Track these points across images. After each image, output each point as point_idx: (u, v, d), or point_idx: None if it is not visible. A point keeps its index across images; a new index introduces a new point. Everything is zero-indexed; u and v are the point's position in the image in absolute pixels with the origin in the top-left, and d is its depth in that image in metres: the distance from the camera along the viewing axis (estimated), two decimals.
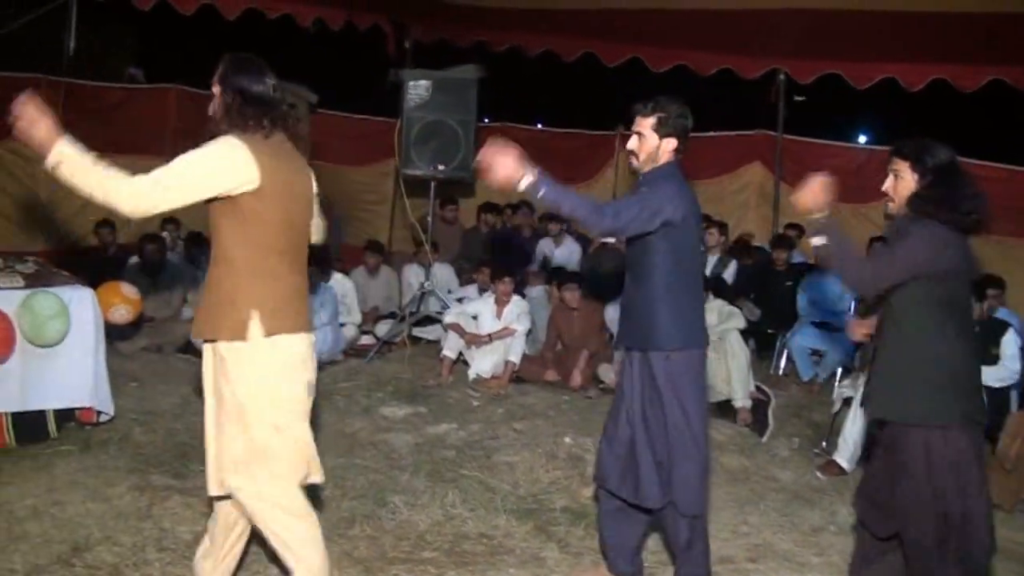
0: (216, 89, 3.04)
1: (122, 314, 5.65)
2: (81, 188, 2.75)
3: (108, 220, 8.71)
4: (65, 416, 5.22)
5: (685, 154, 3.57)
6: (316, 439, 3.16)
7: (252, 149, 2.91)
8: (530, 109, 13.50)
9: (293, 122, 3.13)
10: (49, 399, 5.08)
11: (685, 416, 3.44)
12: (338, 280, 7.69)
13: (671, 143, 3.53)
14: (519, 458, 5.24)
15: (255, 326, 2.94)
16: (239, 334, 2.94)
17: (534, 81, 13.01)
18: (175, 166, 2.85)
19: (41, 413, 5.08)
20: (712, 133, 9.80)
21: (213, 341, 3.03)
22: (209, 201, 2.93)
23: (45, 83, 8.75)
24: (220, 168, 2.87)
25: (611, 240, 7.87)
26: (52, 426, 5.12)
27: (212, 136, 2.96)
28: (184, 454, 4.96)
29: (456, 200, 9.69)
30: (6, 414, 4.93)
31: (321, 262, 7.19)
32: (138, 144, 9.37)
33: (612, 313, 7.50)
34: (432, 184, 7.79)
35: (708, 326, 6.42)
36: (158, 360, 7.12)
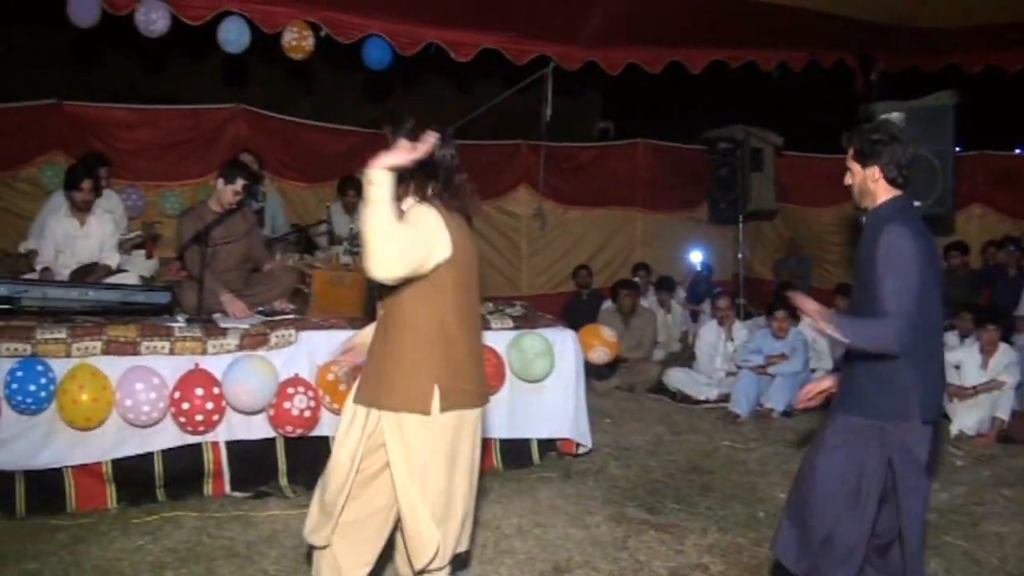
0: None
1: (601, 355, 6.13)
2: (368, 218, 2.64)
3: (585, 265, 9.39)
4: (547, 445, 5.69)
5: None
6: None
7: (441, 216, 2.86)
8: (1009, 133, 12.08)
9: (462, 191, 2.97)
10: (533, 429, 5.59)
11: None
12: (806, 326, 7.50)
13: (875, 172, 3.13)
14: (1009, 529, 4.66)
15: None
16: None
17: (1013, 102, 11.70)
18: (408, 234, 2.72)
19: (526, 441, 5.61)
20: None
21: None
22: None
23: (525, 148, 9.75)
24: (437, 236, 2.82)
25: None
26: (535, 453, 5.63)
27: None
28: (657, 490, 5.15)
29: None
30: (495, 440, 5.48)
31: (786, 306, 7.08)
32: (611, 196, 10.06)
33: None
34: None
35: None
36: (630, 399, 7.53)
